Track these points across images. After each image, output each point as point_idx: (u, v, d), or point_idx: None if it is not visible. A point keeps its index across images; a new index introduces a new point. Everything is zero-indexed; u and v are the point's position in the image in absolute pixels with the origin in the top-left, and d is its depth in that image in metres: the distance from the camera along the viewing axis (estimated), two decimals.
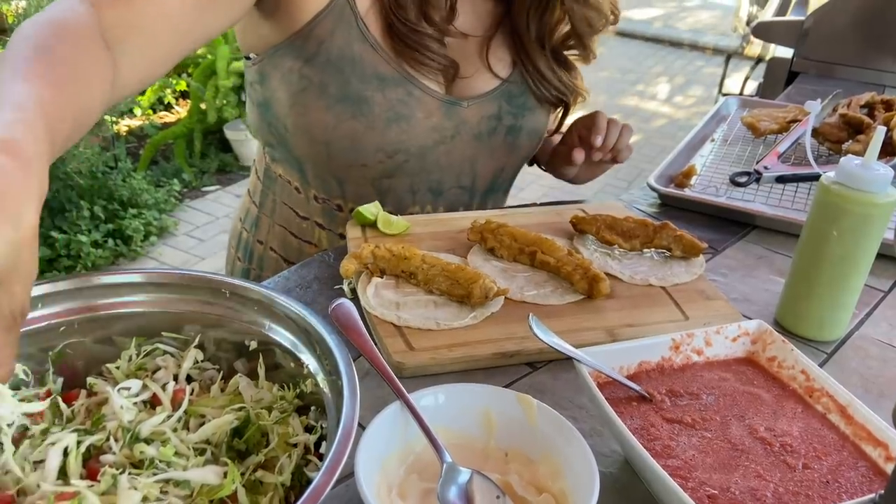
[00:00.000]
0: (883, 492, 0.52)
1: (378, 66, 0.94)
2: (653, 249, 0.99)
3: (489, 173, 1.11)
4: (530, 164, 1.21)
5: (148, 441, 0.57)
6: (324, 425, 0.59)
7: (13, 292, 0.44)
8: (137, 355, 0.66)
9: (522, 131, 1.08)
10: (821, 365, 0.82)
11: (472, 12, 1.01)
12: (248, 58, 1.02)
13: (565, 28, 1.05)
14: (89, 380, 0.64)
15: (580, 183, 1.19)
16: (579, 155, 1.03)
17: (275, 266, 1.12)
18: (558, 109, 1.14)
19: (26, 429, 0.59)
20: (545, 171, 1.23)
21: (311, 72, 0.94)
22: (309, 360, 0.61)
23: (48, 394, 0.62)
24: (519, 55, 1.05)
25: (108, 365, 0.66)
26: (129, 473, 0.53)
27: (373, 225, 0.98)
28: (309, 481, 0.47)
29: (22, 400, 0.60)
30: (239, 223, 1.20)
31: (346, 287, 0.88)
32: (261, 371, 0.65)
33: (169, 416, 0.58)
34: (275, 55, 0.96)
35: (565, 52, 1.08)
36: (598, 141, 1.02)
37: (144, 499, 0.51)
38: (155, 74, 0.75)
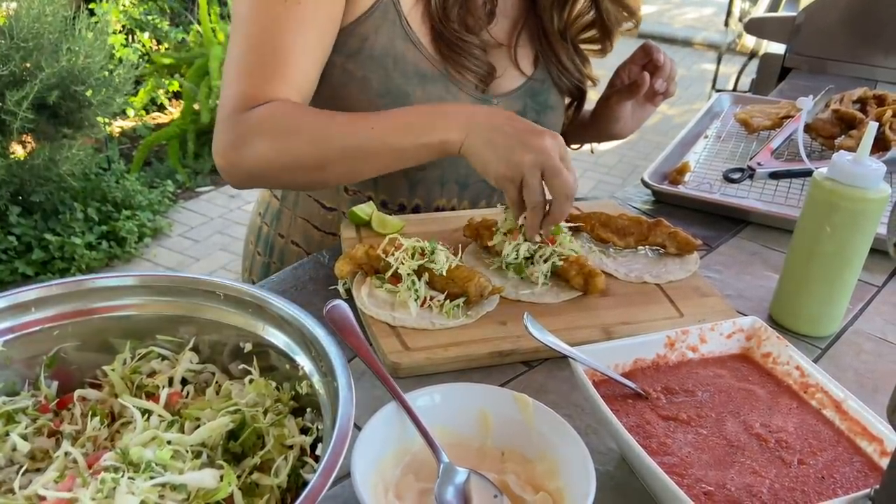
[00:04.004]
0: (878, 486, 0.52)
1: (419, 64, 0.97)
2: (647, 247, 0.99)
3: None
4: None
5: (144, 444, 0.56)
6: (319, 427, 0.59)
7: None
8: (132, 358, 0.66)
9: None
10: (815, 360, 0.82)
11: (501, 12, 1.04)
12: None
13: (585, 20, 1.10)
14: (121, 401, 0.62)
15: (625, 135, 1.21)
16: (646, 76, 1.06)
17: (297, 259, 1.13)
18: (572, 104, 1.18)
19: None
20: (575, 147, 1.27)
21: (354, 66, 0.96)
22: (304, 362, 0.61)
23: (46, 402, 0.62)
24: (542, 48, 1.09)
25: (104, 367, 0.65)
26: (126, 475, 0.53)
27: (367, 225, 0.98)
28: (305, 483, 0.47)
29: (18, 409, 0.60)
30: (258, 218, 1.20)
31: (341, 288, 0.88)
32: (255, 373, 0.65)
33: (162, 421, 0.58)
34: None
35: (583, 45, 1.13)
36: (661, 57, 1.07)
37: (142, 503, 0.51)
38: None
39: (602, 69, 1.16)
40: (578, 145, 1.28)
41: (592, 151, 1.28)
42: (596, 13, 1.07)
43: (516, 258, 0.90)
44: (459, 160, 1.04)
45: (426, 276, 0.84)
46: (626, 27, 1.11)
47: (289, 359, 0.63)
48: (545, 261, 0.89)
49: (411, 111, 0.90)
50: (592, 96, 1.20)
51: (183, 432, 0.59)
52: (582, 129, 1.23)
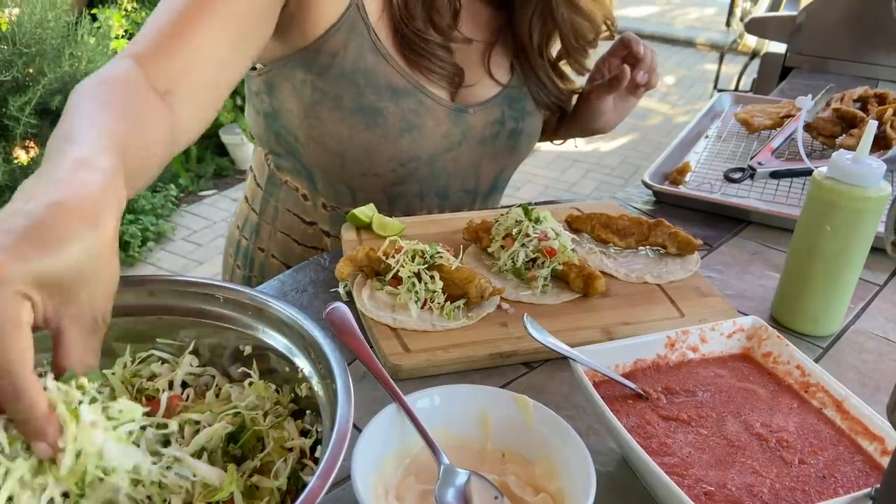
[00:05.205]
0: (879, 486, 0.52)
1: (390, 77, 0.95)
2: (648, 247, 0.99)
3: (491, 175, 1.13)
4: (541, 140, 1.23)
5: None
6: (319, 429, 0.59)
7: (94, 296, 0.45)
8: (132, 362, 0.66)
9: (522, 134, 1.10)
10: (816, 360, 0.82)
11: (472, 21, 1.03)
12: (252, 67, 1.01)
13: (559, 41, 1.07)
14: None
15: (609, 129, 1.19)
16: (626, 70, 1.03)
17: (277, 273, 1.12)
18: (556, 113, 1.17)
19: None
20: (559, 142, 1.26)
21: (325, 84, 0.94)
22: (303, 364, 0.61)
23: None
24: (520, 63, 1.07)
25: (104, 371, 0.65)
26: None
27: (367, 227, 0.98)
28: (305, 485, 0.47)
29: None
30: (237, 231, 1.19)
31: (341, 290, 0.88)
32: (255, 376, 0.65)
33: (160, 426, 0.58)
34: (284, 67, 0.96)
35: (562, 62, 1.10)
36: (641, 49, 1.04)
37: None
38: (209, 115, 0.77)
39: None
40: (562, 140, 1.27)
41: (577, 146, 1.28)
42: (553, 23, 1.02)
43: (514, 265, 0.90)
44: (439, 172, 1.04)
45: (437, 275, 0.84)
46: (588, 39, 1.06)
47: (288, 361, 0.63)
48: (543, 266, 0.89)
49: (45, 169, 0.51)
50: None
51: (183, 435, 0.59)
52: (564, 125, 1.21)
